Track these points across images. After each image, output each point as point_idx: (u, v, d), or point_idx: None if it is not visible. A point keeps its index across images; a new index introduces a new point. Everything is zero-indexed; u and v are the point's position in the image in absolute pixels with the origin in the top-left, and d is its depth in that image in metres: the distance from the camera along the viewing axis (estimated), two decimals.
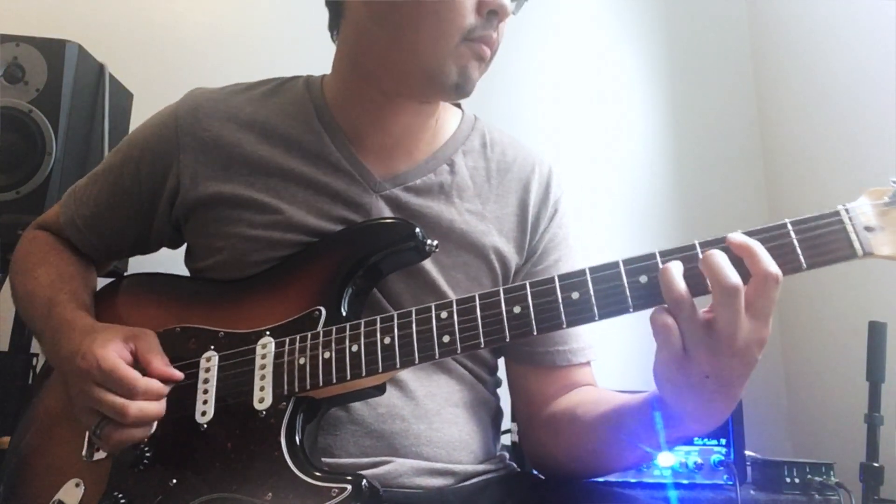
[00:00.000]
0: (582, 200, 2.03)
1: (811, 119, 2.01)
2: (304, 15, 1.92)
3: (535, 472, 1.23)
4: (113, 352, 0.78)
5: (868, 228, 0.65)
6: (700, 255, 0.66)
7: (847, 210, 0.66)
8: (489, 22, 0.83)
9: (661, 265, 0.67)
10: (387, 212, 0.89)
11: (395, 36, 0.84)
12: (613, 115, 2.17)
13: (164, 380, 0.80)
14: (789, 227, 0.66)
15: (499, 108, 2.04)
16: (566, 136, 2.10)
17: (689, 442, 1.32)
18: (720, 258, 0.64)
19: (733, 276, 0.63)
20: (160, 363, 0.80)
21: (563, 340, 0.93)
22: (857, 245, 0.65)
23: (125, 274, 1.02)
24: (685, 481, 1.30)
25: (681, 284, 0.64)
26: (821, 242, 0.65)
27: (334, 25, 0.93)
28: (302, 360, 0.78)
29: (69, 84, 1.37)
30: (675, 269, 0.65)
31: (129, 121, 1.64)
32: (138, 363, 0.80)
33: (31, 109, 1.33)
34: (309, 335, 0.79)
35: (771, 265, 0.63)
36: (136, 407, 0.76)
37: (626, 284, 0.68)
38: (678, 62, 2.23)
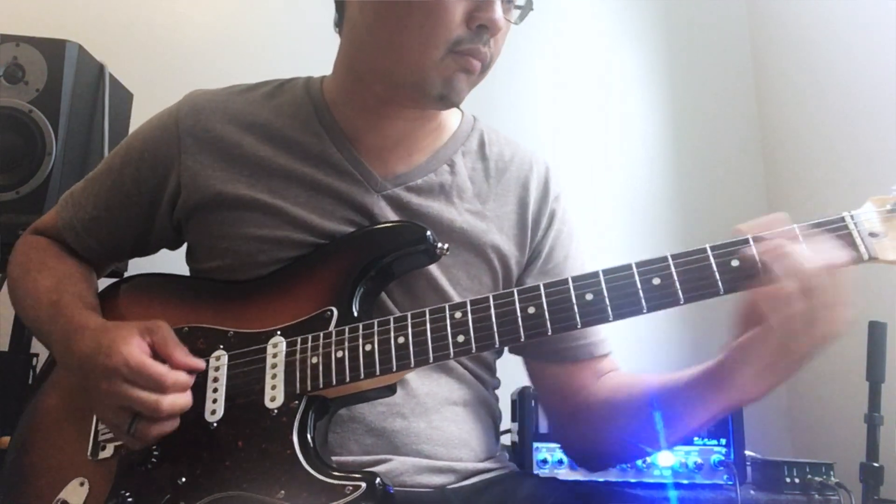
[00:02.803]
0: (582, 200, 2.03)
1: (811, 119, 2.00)
2: (304, 15, 1.92)
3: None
4: (137, 347, 0.78)
5: (872, 234, 0.68)
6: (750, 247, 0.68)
7: (852, 217, 0.69)
8: (478, 36, 0.82)
9: (672, 268, 0.70)
10: (389, 211, 0.90)
11: (383, 43, 0.85)
12: (614, 114, 2.17)
13: (188, 370, 0.80)
14: (797, 231, 0.69)
15: (499, 108, 2.04)
16: (566, 136, 2.10)
17: (689, 442, 1.32)
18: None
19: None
20: (181, 354, 0.80)
21: (582, 335, 0.93)
22: (862, 249, 0.68)
23: (125, 275, 1.02)
24: (685, 481, 1.30)
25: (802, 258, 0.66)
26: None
27: (339, 25, 0.93)
28: (315, 360, 0.78)
29: (69, 84, 1.37)
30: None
31: (129, 121, 1.64)
32: (157, 356, 0.80)
33: (31, 109, 1.33)
34: (321, 335, 0.79)
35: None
36: (169, 401, 0.76)
37: (639, 286, 0.70)
38: (678, 62, 2.23)
